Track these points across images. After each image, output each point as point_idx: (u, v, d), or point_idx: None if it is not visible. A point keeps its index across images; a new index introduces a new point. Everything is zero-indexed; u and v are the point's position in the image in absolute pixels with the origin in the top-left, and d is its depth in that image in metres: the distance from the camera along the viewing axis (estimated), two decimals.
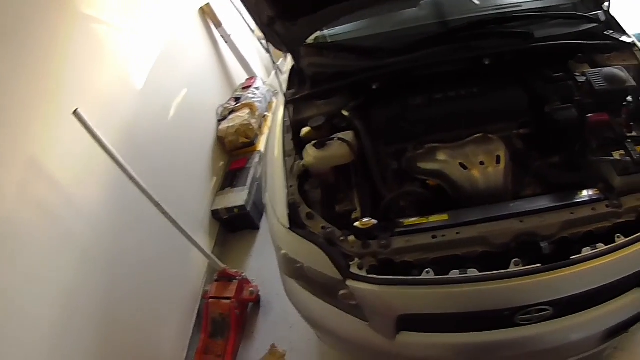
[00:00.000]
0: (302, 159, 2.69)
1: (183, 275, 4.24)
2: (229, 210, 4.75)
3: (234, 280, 4.12)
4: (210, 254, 4.20)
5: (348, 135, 2.71)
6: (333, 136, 2.69)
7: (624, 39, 3.01)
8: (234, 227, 4.97)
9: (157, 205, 3.42)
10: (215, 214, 4.82)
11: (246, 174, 5.05)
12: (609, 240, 2.16)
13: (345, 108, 2.89)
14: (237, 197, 4.81)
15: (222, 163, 5.35)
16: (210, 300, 4.05)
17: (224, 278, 4.16)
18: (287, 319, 3.80)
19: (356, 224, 2.32)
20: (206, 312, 4.04)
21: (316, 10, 2.89)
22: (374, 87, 2.95)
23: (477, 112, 2.81)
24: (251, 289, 4.16)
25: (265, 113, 5.81)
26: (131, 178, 3.26)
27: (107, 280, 3.26)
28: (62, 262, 2.95)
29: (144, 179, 3.39)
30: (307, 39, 3.18)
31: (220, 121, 5.48)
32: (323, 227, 2.38)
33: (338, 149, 2.63)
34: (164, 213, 3.49)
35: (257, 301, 4.22)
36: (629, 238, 2.15)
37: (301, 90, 3.19)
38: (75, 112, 2.95)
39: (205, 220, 4.74)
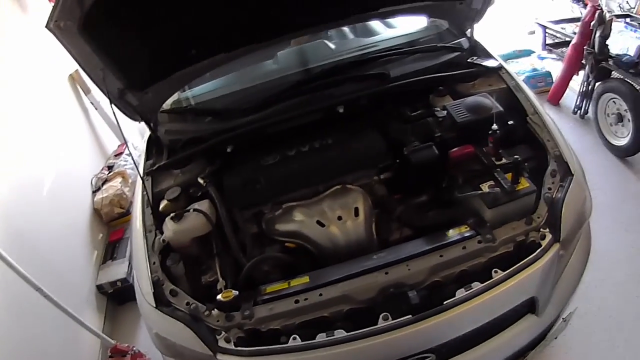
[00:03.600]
0: (163, 233, 2.61)
1: (77, 356, 4.05)
2: (113, 283, 4.61)
3: (127, 355, 3.98)
4: (100, 330, 4.08)
5: (204, 204, 2.66)
6: (189, 207, 2.63)
7: (489, 63, 3.02)
8: (121, 299, 4.80)
9: (38, 289, 3.27)
10: (100, 288, 4.65)
11: (125, 244, 4.90)
12: (486, 276, 2.14)
13: (201, 175, 2.84)
14: (119, 270, 4.67)
15: (101, 235, 5.17)
16: None
17: (117, 354, 4.01)
18: None
19: (218, 296, 2.27)
20: None
21: (165, 77, 2.86)
22: (228, 150, 2.91)
23: (333, 164, 2.76)
24: None
25: None
26: (9, 265, 3.11)
27: None
28: None
29: (23, 262, 3.23)
30: (160, 106, 3.13)
31: (95, 192, 5.31)
32: (187, 303, 2.31)
33: (194, 221, 2.57)
34: (47, 297, 3.34)
35: None
36: (507, 271, 2.14)
37: (158, 160, 3.11)
38: None
39: (91, 296, 4.55)
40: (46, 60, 4.97)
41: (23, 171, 4.14)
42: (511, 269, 2.15)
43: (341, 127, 2.90)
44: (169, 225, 2.58)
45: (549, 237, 2.26)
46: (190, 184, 2.86)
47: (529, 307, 2.41)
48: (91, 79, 2.64)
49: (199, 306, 2.28)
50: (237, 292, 2.27)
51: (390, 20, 3.79)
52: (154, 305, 2.37)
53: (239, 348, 2.15)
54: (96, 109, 5.94)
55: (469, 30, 3.23)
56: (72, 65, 5.39)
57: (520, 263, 2.17)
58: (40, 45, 4.68)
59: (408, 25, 3.67)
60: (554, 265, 2.29)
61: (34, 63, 4.87)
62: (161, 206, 2.78)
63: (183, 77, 2.95)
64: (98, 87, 2.69)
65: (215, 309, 2.27)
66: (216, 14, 2.61)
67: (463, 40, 3.23)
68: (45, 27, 2.23)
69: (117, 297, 4.78)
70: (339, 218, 2.56)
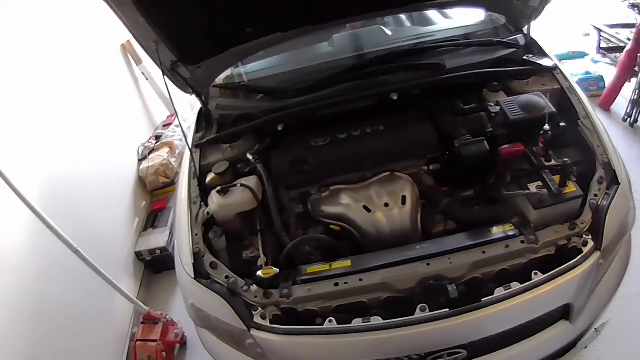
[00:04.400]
0: (207, 206, 2.63)
1: (110, 319, 4.15)
2: (152, 251, 4.69)
3: (159, 323, 4.05)
4: (135, 297, 4.13)
5: (251, 180, 2.66)
6: (236, 182, 2.64)
7: (544, 62, 2.97)
8: (158, 268, 4.89)
9: (76, 252, 3.32)
10: (139, 255, 4.74)
11: (167, 214, 4.98)
12: (526, 277, 2.11)
13: (250, 152, 2.85)
14: (159, 239, 4.75)
15: (144, 203, 5.26)
16: (137, 342, 3.98)
17: (150, 320, 4.09)
18: None
19: (258, 273, 2.29)
20: (134, 355, 3.97)
21: (219, 53, 2.87)
22: (279, 128, 2.92)
23: (383, 150, 2.76)
24: (176, 331, 4.10)
25: None
26: (49, 227, 3.15)
27: (32, 328, 3.16)
28: None
29: (65, 224, 3.28)
30: (213, 81, 3.16)
31: (140, 161, 5.40)
32: (226, 277, 2.33)
33: (241, 196, 2.58)
34: (84, 260, 3.39)
35: (183, 343, 4.17)
36: (547, 275, 2.10)
37: (208, 133, 3.14)
38: None
39: (129, 262, 4.65)
40: (99, 29, 5.03)
41: (70, 135, 4.21)
42: (551, 272, 2.11)
43: (393, 115, 2.89)
44: (214, 199, 2.59)
45: (590, 244, 2.21)
46: (238, 159, 2.87)
47: (564, 313, 2.38)
48: (144, 49, 2.67)
49: (238, 280, 2.30)
50: (277, 270, 2.29)
51: (448, 11, 3.76)
52: (193, 276, 2.39)
53: (274, 326, 2.16)
54: (147, 79, 6.01)
55: (526, 27, 3.18)
56: (124, 35, 5.48)
57: (561, 267, 2.13)
58: (93, 14, 4.76)
59: (465, 17, 3.62)
60: (592, 274, 2.24)
61: (87, 31, 4.93)
62: (208, 179, 2.80)
63: (237, 54, 2.96)
64: (151, 58, 2.71)
65: (254, 285, 2.29)
66: None
67: (519, 36, 3.19)
68: None
69: (154, 265, 4.87)
70: (386, 205, 2.55)
